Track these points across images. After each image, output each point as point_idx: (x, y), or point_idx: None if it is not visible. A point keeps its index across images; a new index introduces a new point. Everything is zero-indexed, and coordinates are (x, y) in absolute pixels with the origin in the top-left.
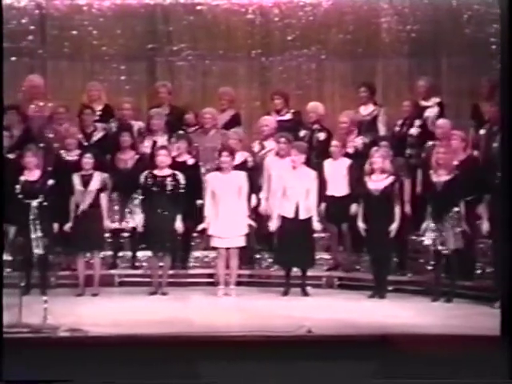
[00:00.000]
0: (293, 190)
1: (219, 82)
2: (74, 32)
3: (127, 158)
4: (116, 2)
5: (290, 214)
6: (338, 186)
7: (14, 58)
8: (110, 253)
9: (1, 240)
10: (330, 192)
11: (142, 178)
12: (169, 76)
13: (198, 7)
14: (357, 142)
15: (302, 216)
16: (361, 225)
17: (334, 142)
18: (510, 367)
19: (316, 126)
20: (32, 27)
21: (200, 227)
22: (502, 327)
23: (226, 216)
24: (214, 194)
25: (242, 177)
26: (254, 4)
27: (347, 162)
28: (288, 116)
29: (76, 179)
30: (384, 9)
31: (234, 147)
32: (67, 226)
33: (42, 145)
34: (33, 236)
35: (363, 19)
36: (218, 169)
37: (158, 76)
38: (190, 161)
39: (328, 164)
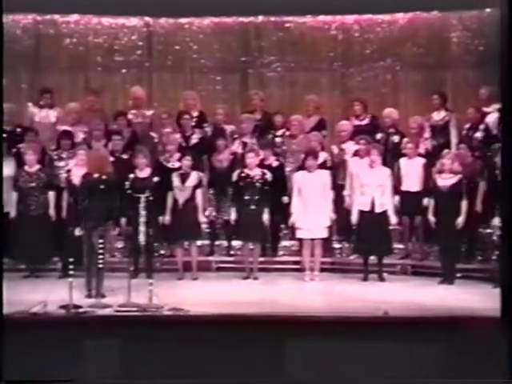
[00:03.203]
0: (369, 187)
1: (304, 91)
2: (177, 47)
3: (222, 159)
4: (214, 21)
5: (367, 208)
6: (412, 182)
7: (124, 70)
8: (207, 242)
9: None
10: (404, 187)
11: (234, 176)
12: (260, 86)
13: (287, 24)
14: (427, 143)
15: (378, 209)
16: (431, 218)
17: (410, 145)
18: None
19: (391, 130)
20: (140, 43)
21: (290, 221)
22: None
23: (310, 210)
24: (301, 191)
25: (325, 175)
26: (336, 21)
27: (421, 160)
28: (366, 121)
29: (175, 177)
30: (454, 24)
31: (316, 150)
32: (165, 219)
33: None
34: (140, 226)
35: (435, 34)
36: (304, 168)
37: (250, 86)
38: (275, 163)
39: (404, 162)
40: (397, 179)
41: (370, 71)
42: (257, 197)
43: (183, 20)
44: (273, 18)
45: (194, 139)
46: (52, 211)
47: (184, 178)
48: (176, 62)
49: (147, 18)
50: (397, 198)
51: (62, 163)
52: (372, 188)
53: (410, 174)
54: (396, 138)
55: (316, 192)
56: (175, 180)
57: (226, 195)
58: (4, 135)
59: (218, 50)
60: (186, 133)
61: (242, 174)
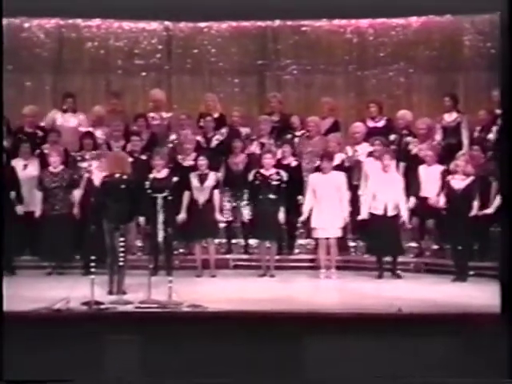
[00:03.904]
0: (383, 191)
1: (320, 93)
2: (196, 50)
3: (238, 161)
4: (232, 25)
5: (380, 212)
6: (431, 188)
7: (144, 73)
8: (224, 240)
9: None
10: (423, 193)
11: (250, 176)
12: (276, 88)
13: (303, 28)
14: (437, 145)
15: (391, 213)
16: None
17: (429, 153)
18: None
19: (405, 131)
20: (160, 46)
21: (300, 219)
22: None
23: (325, 211)
24: (315, 192)
25: (340, 177)
26: (351, 25)
27: (440, 168)
28: (382, 122)
29: (194, 178)
30: (466, 28)
31: (333, 151)
32: (181, 217)
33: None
34: (159, 225)
35: (448, 37)
36: (320, 169)
37: (267, 88)
38: (294, 163)
39: (423, 169)
40: (414, 184)
41: (384, 74)
42: (273, 196)
43: (202, 24)
44: (289, 22)
45: (215, 140)
46: (75, 210)
47: (203, 178)
48: (195, 65)
49: (167, 23)
50: (412, 201)
51: (84, 164)
52: (385, 192)
53: (429, 180)
54: (410, 139)
55: (330, 193)
56: (194, 180)
57: (242, 195)
58: (24, 137)
59: (235, 53)
60: (207, 134)
61: (258, 175)
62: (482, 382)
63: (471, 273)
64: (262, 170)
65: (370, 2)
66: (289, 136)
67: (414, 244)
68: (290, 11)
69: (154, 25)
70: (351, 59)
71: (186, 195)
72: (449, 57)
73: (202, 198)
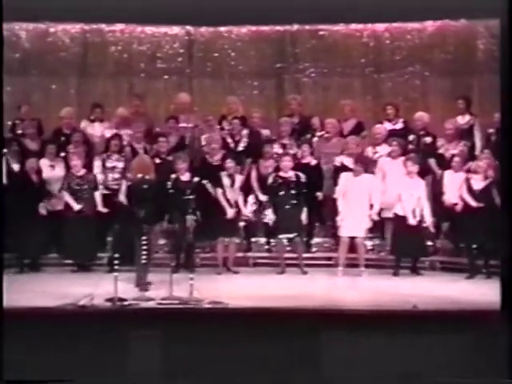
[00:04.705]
0: (407, 195)
1: (337, 96)
2: (216, 54)
3: (268, 165)
4: (251, 29)
5: (404, 214)
6: (454, 194)
7: (166, 76)
8: (244, 239)
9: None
10: (444, 197)
11: (270, 179)
12: (295, 91)
13: (321, 32)
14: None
15: (415, 216)
16: None
17: (457, 159)
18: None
19: (422, 132)
20: (181, 50)
21: (338, 219)
22: None
23: (354, 211)
24: (345, 192)
25: (371, 180)
26: (368, 29)
27: (464, 175)
28: (399, 124)
29: (225, 177)
30: (480, 32)
31: (367, 157)
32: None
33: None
34: (182, 224)
35: (462, 41)
36: (351, 170)
37: (286, 91)
38: (313, 162)
39: (448, 175)
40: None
41: (399, 77)
42: (292, 197)
43: (222, 28)
44: (307, 27)
45: (243, 142)
46: (100, 209)
47: (232, 179)
48: (215, 68)
49: (188, 27)
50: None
51: (111, 165)
52: (409, 197)
53: (452, 185)
54: (428, 139)
55: (360, 195)
56: (225, 180)
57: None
58: (63, 137)
59: (254, 56)
60: (234, 136)
61: (277, 177)
62: (482, 381)
63: (484, 271)
64: (281, 173)
65: (387, 6)
66: (308, 136)
67: (429, 243)
68: (308, 16)
69: (175, 29)
70: (368, 62)
71: (220, 193)
72: (463, 60)
73: (230, 197)
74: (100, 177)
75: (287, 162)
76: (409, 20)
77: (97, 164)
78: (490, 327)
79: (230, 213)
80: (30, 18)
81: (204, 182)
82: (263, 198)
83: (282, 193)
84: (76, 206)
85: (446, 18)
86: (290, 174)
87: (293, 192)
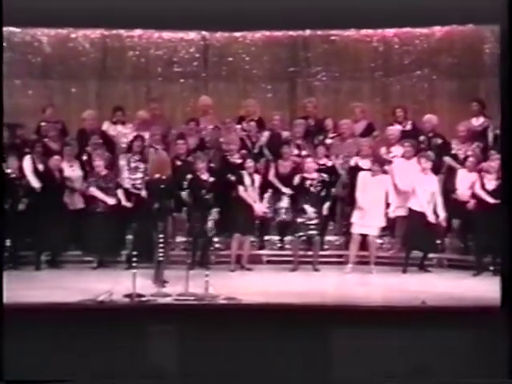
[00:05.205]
0: (421, 190)
1: (348, 99)
2: (231, 58)
3: (287, 165)
4: (265, 34)
5: (419, 209)
6: (465, 193)
7: (182, 80)
8: (258, 237)
9: None
10: (456, 195)
11: (296, 180)
12: (307, 94)
13: (332, 37)
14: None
15: (428, 211)
16: None
17: (471, 159)
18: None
19: (431, 134)
20: (197, 55)
21: (353, 217)
22: None
23: (369, 209)
24: (363, 190)
25: (387, 180)
26: (378, 34)
27: (476, 175)
28: (409, 126)
29: (246, 177)
30: (487, 37)
31: (383, 158)
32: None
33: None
34: (199, 222)
35: (469, 45)
36: (369, 170)
37: (298, 94)
38: (329, 163)
39: (461, 173)
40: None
41: (408, 80)
42: (314, 197)
43: (237, 34)
44: (319, 32)
45: (261, 143)
46: (124, 204)
47: (252, 178)
48: (230, 72)
49: (204, 32)
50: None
51: (134, 165)
52: (423, 192)
53: (464, 184)
54: (438, 141)
55: (376, 194)
56: (246, 179)
57: (282, 195)
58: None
59: (268, 61)
60: (251, 138)
61: (303, 179)
62: (482, 381)
63: (492, 268)
64: (306, 174)
65: (396, 12)
66: (321, 137)
67: (438, 241)
68: (320, 21)
69: (191, 34)
70: (377, 66)
71: (242, 190)
72: (470, 64)
73: (251, 196)
74: (126, 175)
75: (311, 164)
76: (417, 25)
77: (122, 163)
78: (492, 322)
79: (259, 208)
80: (50, 24)
81: (230, 177)
82: (286, 190)
83: (306, 193)
84: (110, 201)
85: (449, 22)
86: (315, 176)
87: (316, 192)
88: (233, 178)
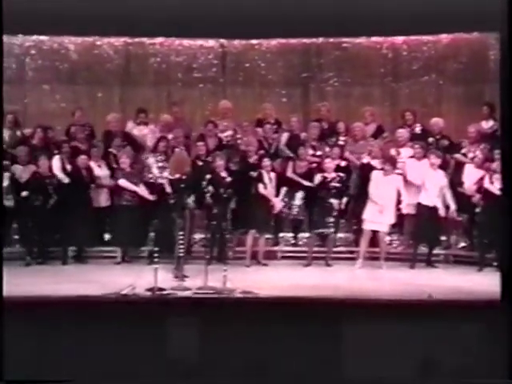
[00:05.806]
0: (430, 185)
1: (359, 103)
2: (247, 64)
3: (304, 165)
4: (280, 41)
5: (428, 203)
6: (470, 187)
7: (201, 85)
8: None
9: None
10: (462, 189)
11: (317, 179)
12: (319, 98)
13: (344, 44)
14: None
15: (437, 205)
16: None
17: (480, 156)
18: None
19: (438, 136)
20: (215, 61)
21: (365, 214)
22: None
23: (381, 206)
24: (375, 188)
25: (398, 180)
26: (387, 41)
27: (482, 172)
28: (418, 129)
29: (265, 175)
30: (492, 44)
31: (394, 158)
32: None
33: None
34: (218, 218)
35: (474, 52)
36: (381, 169)
37: (311, 99)
38: (343, 163)
39: (469, 168)
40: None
41: (416, 85)
42: (333, 196)
43: (253, 41)
44: (331, 39)
45: (281, 142)
46: (148, 197)
47: (270, 177)
48: (246, 77)
49: (222, 40)
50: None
51: (161, 164)
52: (432, 187)
53: (471, 180)
54: (445, 142)
55: (388, 192)
56: (265, 176)
57: (296, 193)
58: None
59: (282, 67)
60: (268, 139)
61: (323, 178)
62: (482, 382)
63: (495, 264)
64: (326, 174)
65: (404, 21)
66: (333, 139)
67: (443, 238)
68: (332, 29)
69: (210, 42)
70: (387, 72)
71: (261, 187)
72: (475, 69)
73: (269, 194)
74: (156, 173)
75: (330, 164)
76: (424, 33)
77: (151, 161)
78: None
79: (277, 203)
80: (76, 32)
81: (252, 174)
82: (308, 184)
83: (324, 191)
84: (139, 191)
85: (455, 29)
86: (334, 175)
87: (334, 191)
88: (254, 174)
